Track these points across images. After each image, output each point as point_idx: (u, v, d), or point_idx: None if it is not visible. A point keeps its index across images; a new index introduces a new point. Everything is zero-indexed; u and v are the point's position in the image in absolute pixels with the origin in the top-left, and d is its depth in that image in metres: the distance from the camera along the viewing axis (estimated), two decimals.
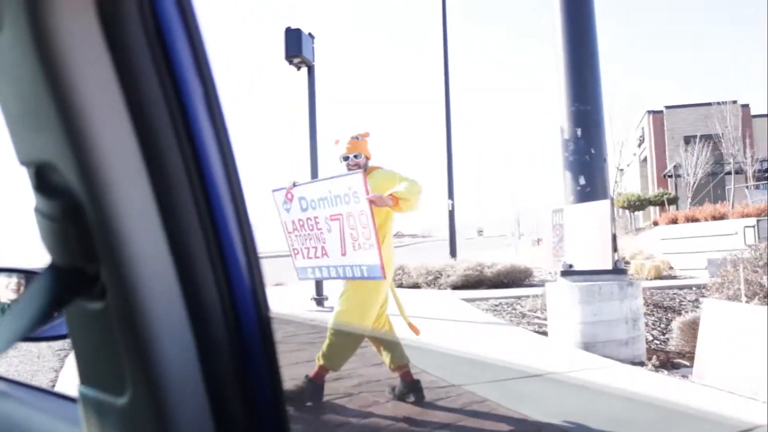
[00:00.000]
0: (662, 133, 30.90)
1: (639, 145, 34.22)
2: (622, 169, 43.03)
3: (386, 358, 4.13)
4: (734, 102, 29.20)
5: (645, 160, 33.39)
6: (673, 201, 24.29)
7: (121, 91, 0.55)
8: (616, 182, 42.94)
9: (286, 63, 8.30)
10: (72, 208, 0.57)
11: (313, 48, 8.52)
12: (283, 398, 0.64)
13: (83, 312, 0.62)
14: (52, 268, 0.60)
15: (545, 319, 7.89)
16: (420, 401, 4.12)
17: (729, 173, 27.54)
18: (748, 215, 13.08)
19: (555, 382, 4.97)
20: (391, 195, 3.88)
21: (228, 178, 0.61)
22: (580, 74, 6.80)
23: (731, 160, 18.32)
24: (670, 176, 28.29)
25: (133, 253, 0.57)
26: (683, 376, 5.57)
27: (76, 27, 0.54)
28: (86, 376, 0.65)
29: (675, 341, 6.84)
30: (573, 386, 4.96)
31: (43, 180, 0.59)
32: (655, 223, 15.33)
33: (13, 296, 1.54)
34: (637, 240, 16.63)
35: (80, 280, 0.60)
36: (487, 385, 4.77)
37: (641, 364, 6.04)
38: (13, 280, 1.55)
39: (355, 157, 4.16)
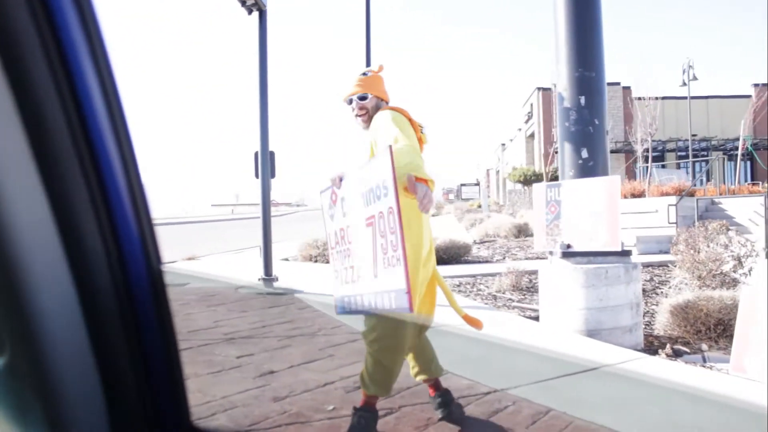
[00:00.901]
0: (551, 109, 31.70)
1: (526, 121, 35.06)
2: (504, 144, 44.29)
3: (419, 364, 3.25)
4: (617, 84, 30.60)
5: (532, 135, 34.25)
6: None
7: None
8: (498, 158, 44.19)
9: (233, 6, 7.12)
10: None
11: None
12: (176, 351, 0.62)
13: None
14: None
15: (519, 301, 7.38)
16: (458, 413, 3.31)
17: (614, 152, 28.86)
18: (666, 194, 13.37)
19: (605, 379, 4.39)
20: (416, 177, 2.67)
21: (116, 136, 0.57)
22: (585, 35, 6.21)
23: (648, 139, 18.87)
24: (556, 152, 29.13)
25: (4, 198, 0.53)
26: (705, 366, 5.20)
27: None
28: None
29: (663, 325, 6.52)
30: (631, 383, 4.41)
31: None
32: None
33: None
34: None
35: None
36: (534, 387, 4.10)
37: (654, 352, 5.63)
38: None
39: (361, 98, 3.06)
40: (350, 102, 3.12)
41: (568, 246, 6.08)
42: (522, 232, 13.96)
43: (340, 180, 2.88)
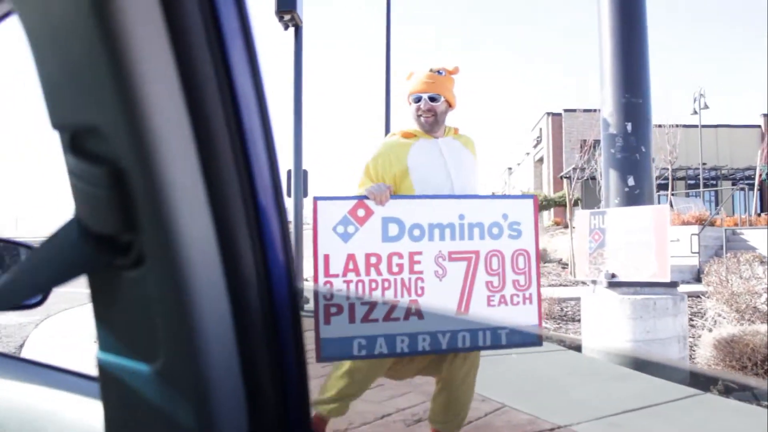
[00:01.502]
0: (560, 135, 31.67)
1: (535, 146, 35.01)
2: (510, 168, 44.26)
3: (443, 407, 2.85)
4: None
5: (541, 160, 34.18)
6: (576, 203, 24.91)
7: (175, 64, 0.54)
8: (505, 182, 44.19)
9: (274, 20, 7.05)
10: (115, 176, 0.56)
11: (302, 5, 7.28)
12: (306, 366, 0.65)
13: (112, 280, 0.61)
14: (81, 231, 0.59)
15: (555, 330, 7.22)
16: None
17: None
18: (687, 223, 13.24)
19: (666, 417, 4.21)
20: None
21: (269, 158, 0.62)
22: (630, 60, 6.11)
23: (668, 167, 18.79)
24: (567, 177, 28.98)
25: (178, 223, 0.56)
26: (761, 404, 5.02)
27: None
28: (109, 343, 0.64)
29: (705, 359, 6.34)
30: (693, 420, 4.23)
31: (82, 145, 0.57)
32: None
33: None
34: (568, 241, 16.50)
35: (112, 247, 0.59)
36: (599, 424, 3.93)
37: (705, 387, 5.45)
38: None
39: (432, 99, 2.75)
40: (417, 100, 2.79)
41: (613, 275, 5.93)
42: (540, 257, 13.80)
43: (387, 194, 2.58)
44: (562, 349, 6.26)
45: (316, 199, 2.58)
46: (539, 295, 2.69)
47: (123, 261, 0.60)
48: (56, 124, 0.59)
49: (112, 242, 0.60)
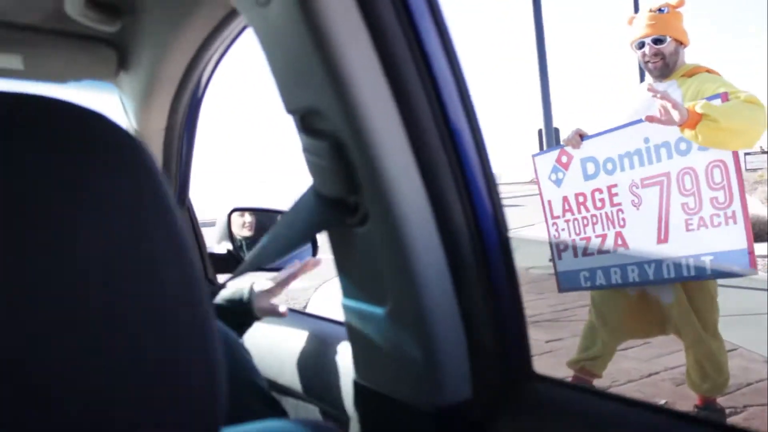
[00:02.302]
0: None
1: None
2: None
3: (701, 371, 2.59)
4: None
5: None
6: None
7: (374, 50, 0.64)
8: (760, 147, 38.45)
9: None
10: (336, 148, 0.67)
11: None
12: (521, 306, 0.72)
13: (346, 236, 0.73)
14: (317, 197, 0.72)
15: None
16: None
17: None
18: None
19: None
20: (690, 110, 2.20)
21: (468, 117, 0.69)
22: None
23: None
24: None
25: (392, 184, 0.65)
26: None
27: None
28: (349, 290, 0.78)
29: None
30: None
31: (309, 125, 0.70)
32: None
33: (247, 233, 1.67)
34: None
35: (342, 208, 0.70)
36: None
37: None
38: (247, 218, 1.68)
39: (656, 42, 2.49)
40: (641, 46, 2.54)
41: None
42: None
43: (579, 137, 2.71)
44: None
45: (533, 156, 2.96)
46: (746, 212, 2.28)
47: (352, 219, 0.71)
48: (289, 110, 0.72)
49: (342, 204, 0.71)
